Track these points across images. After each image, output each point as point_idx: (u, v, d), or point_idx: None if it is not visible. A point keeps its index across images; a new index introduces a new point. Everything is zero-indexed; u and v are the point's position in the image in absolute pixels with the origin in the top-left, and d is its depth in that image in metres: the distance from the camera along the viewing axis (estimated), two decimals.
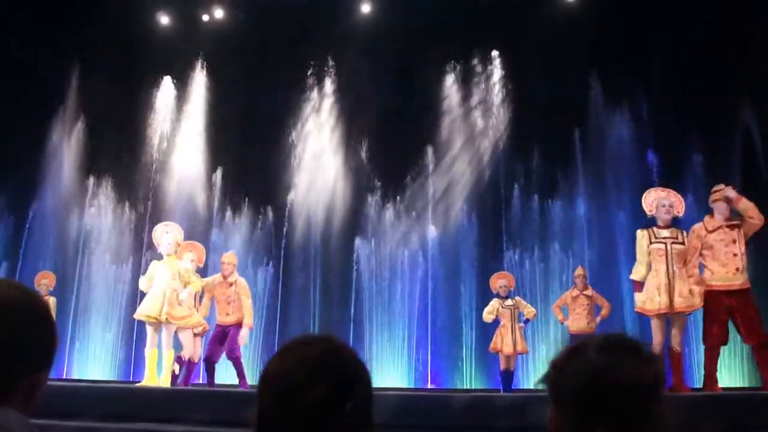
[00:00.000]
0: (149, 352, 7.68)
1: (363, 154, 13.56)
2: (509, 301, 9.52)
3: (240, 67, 13.52)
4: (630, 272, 6.97)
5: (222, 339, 8.33)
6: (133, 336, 12.41)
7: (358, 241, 13.31)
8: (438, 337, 12.71)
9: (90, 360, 13.09)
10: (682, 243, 6.59)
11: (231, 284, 8.42)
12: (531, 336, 11.10)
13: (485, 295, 10.45)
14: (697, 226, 6.54)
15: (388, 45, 13.31)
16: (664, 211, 6.73)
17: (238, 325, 8.32)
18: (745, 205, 6.38)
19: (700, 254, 6.46)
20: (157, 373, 7.72)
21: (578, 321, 9.26)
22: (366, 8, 14.13)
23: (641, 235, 6.76)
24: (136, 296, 10.08)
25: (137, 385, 7.68)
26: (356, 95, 13.39)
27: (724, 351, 6.84)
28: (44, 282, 10.38)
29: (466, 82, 13.91)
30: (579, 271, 9.67)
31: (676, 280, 6.45)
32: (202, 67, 14.33)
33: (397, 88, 13.61)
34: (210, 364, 8.33)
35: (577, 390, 1.18)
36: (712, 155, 11.65)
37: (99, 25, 13.48)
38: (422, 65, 13.43)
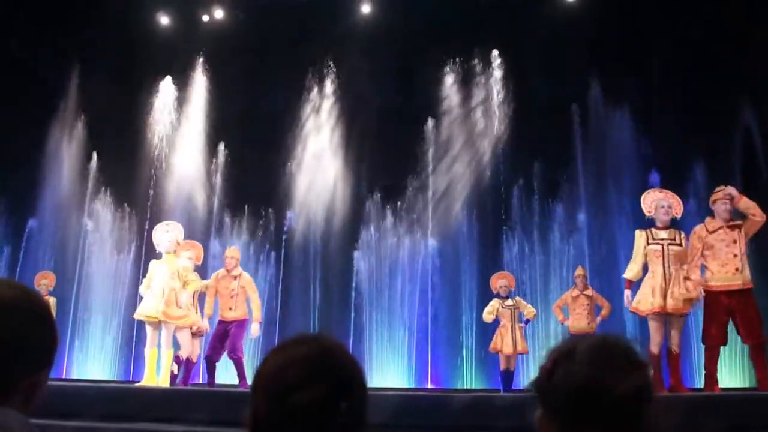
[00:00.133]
0: (149, 351, 7.67)
1: (363, 154, 13.55)
2: (509, 301, 9.52)
3: (240, 67, 13.52)
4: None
5: (223, 337, 8.23)
6: (133, 336, 12.41)
7: (358, 242, 13.31)
8: (438, 337, 12.71)
9: (90, 360, 13.10)
10: (680, 245, 6.61)
11: (235, 278, 8.36)
12: (531, 336, 11.09)
13: (485, 295, 10.44)
14: (698, 227, 6.54)
15: (388, 45, 13.31)
16: (662, 212, 6.74)
17: (241, 322, 8.26)
18: (747, 204, 6.39)
19: (702, 255, 6.46)
20: (157, 373, 7.72)
21: (578, 321, 9.27)
22: (366, 8, 14.12)
23: (639, 235, 6.79)
24: (136, 296, 10.07)
25: (136, 385, 7.68)
26: (356, 95, 13.39)
27: (724, 351, 6.84)
28: (44, 282, 10.39)
29: (466, 82, 13.90)
30: (579, 271, 9.67)
31: (672, 282, 6.47)
32: (202, 67, 14.32)
33: (397, 88, 13.61)
34: (211, 363, 8.27)
35: (565, 395, 1.18)
36: (712, 155, 11.64)
37: (99, 25, 13.49)
38: (422, 65, 13.43)
